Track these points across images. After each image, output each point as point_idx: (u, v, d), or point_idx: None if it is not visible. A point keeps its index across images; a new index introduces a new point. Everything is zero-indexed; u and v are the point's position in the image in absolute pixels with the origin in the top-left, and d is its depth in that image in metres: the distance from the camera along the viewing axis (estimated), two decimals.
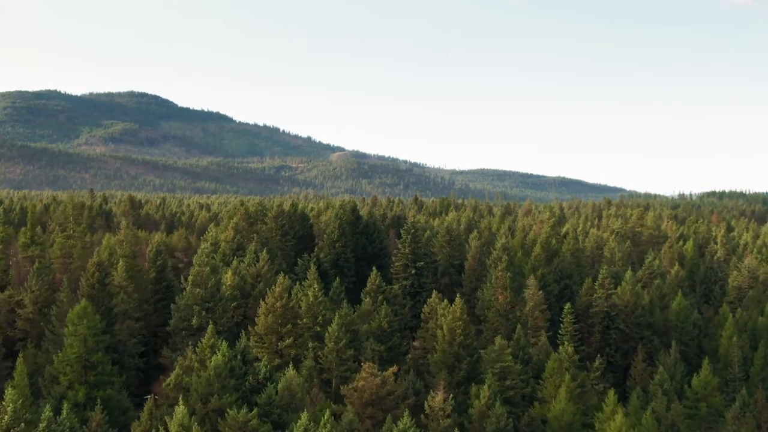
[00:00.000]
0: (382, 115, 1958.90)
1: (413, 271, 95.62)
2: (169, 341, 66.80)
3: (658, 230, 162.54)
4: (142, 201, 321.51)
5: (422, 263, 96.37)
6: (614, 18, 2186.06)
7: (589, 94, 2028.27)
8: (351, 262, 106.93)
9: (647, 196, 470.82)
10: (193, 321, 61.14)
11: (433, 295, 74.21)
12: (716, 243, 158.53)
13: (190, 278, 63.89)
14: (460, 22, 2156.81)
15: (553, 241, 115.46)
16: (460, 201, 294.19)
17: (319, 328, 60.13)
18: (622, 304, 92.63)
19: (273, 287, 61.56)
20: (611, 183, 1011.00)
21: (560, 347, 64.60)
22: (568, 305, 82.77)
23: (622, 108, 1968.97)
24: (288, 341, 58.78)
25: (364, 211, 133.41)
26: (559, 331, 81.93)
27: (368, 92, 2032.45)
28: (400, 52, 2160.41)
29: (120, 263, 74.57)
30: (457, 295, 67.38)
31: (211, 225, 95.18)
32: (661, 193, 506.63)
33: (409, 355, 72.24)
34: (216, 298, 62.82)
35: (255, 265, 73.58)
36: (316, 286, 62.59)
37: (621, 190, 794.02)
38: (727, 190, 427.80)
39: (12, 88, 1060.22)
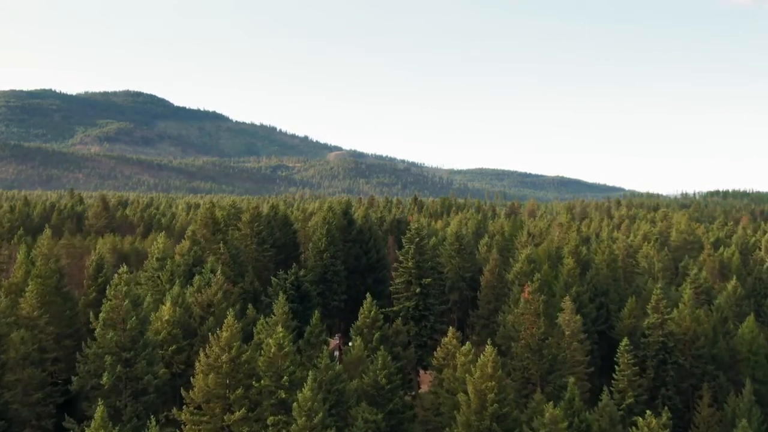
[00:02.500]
0: (380, 114, 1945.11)
1: (418, 290, 76.87)
2: (82, 402, 47.76)
3: (692, 234, 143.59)
4: (129, 201, 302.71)
5: (429, 279, 77.64)
6: (614, 18, 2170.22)
7: (588, 94, 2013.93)
8: (341, 276, 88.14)
9: (649, 195, 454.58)
10: (104, 379, 42.34)
11: (450, 334, 54.85)
12: (760, 249, 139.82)
13: (101, 316, 44.96)
14: (459, 21, 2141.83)
15: (584, 249, 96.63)
16: (462, 201, 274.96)
17: (285, 394, 41.16)
18: (680, 331, 73.81)
19: (218, 331, 42.38)
20: (610, 182, 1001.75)
21: (640, 420, 45.89)
22: (625, 341, 63.67)
23: (620, 108, 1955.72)
24: (238, 414, 39.78)
25: (359, 213, 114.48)
26: (614, 375, 63.15)
27: (366, 92, 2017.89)
28: (398, 52, 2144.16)
29: (30, 287, 55.86)
30: (489, 342, 48.29)
31: (161, 234, 75.98)
32: (661, 193, 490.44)
33: (414, 410, 53.25)
34: (138, 345, 43.92)
35: (204, 290, 54.40)
36: (280, 330, 43.37)
37: (620, 189, 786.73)
38: (730, 190, 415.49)
39: (6, 88, 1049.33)
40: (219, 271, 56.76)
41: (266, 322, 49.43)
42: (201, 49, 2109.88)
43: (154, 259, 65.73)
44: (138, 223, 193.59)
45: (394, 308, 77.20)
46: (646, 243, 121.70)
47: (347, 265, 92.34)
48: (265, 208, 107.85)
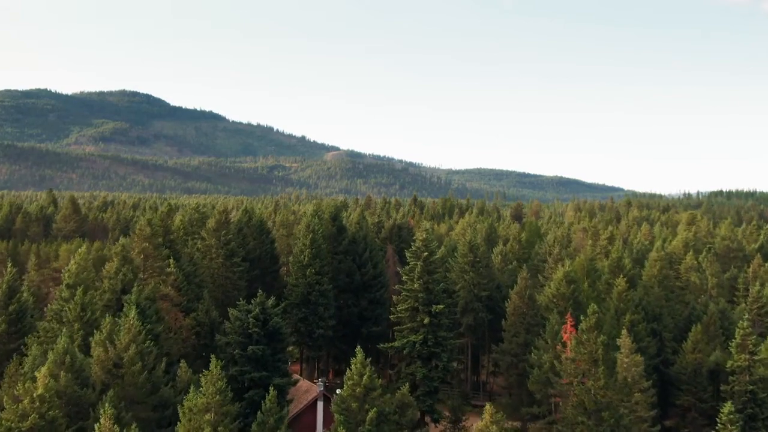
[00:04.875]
0: (378, 114, 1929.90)
1: (427, 320, 59.10)
2: None
3: (735, 241, 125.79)
4: (115, 201, 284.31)
5: (441, 306, 59.85)
6: (613, 18, 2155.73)
7: (586, 94, 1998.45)
8: (329, 297, 70.45)
9: (651, 195, 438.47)
10: None
11: (486, 413, 36.15)
12: None
13: None
14: (457, 22, 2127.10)
15: (627, 263, 78.75)
16: (463, 202, 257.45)
17: None
18: None
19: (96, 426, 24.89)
20: (609, 182, 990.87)
21: None
22: (729, 406, 45.91)
23: (619, 107, 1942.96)
24: None
25: (352, 218, 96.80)
26: None
27: (364, 91, 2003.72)
28: (396, 52, 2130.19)
29: None
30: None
31: (80, 250, 56.72)
32: (662, 193, 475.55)
33: None
34: None
35: (112, 343, 35.98)
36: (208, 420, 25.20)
37: (619, 189, 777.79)
38: (733, 190, 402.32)
39: (1, 87, 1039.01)
40: (133, 311, 38.17)
41: (190, 409, 31.03)
42: (198, 49, 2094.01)
43: (64, 286, 47.41)
44: (114, 226, 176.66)
45: (396, 344, 59.54)
46: (689, 252, 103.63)
47: (336, 282, 74.90)
48: (234, 214, 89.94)
